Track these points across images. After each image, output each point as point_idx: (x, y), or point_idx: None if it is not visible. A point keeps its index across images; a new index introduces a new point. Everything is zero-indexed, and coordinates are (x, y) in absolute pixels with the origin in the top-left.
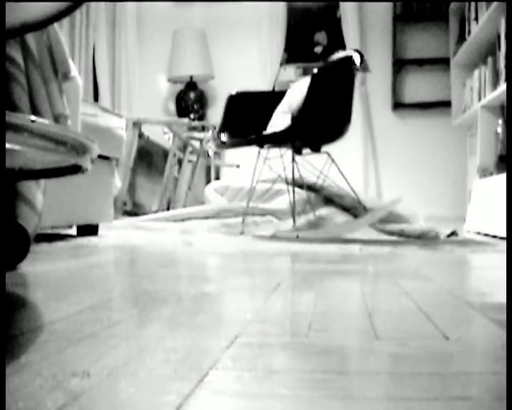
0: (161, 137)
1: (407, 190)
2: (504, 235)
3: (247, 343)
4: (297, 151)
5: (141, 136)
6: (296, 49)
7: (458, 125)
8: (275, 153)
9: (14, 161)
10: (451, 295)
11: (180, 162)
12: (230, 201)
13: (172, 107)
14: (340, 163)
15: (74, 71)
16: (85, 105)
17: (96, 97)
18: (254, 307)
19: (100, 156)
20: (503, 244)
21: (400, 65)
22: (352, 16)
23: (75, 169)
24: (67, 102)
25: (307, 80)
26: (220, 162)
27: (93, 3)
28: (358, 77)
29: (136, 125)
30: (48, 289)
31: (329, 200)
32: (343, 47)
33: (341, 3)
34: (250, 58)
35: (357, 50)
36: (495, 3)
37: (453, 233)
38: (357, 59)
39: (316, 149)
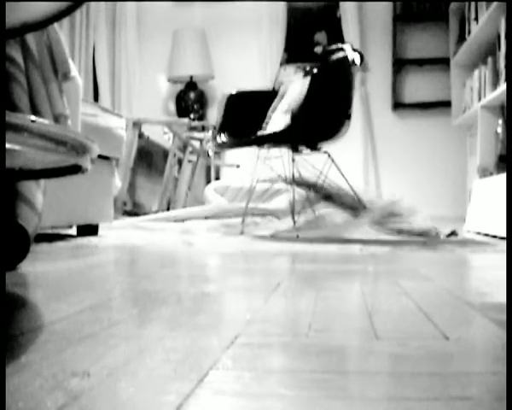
0: (161, 137)
1: (407, 190)
2: (504, 235)
3: (247, 343)
4: (295, 149)
5: (141, 136)
6: (296, 49)
7: (458, 125)
8: (274, 152)
9: (14, 161)
10: (451, 295)
11: (180, 162)
12: (231, 201)
13: (172, 107)
14: (340, 163)
15: (74, 71)
16: (85, 105)
17: (96, 97)
18: (254, 307)
19: (100, 156)
20: (503, 244)
21: (400, 65)
22: (351, 16)
23: (75, 169)
24: (67, 102)
25: (305, 80)
26: (220, 162)
27: (93, 3)
28: (358, 77)
29: (136, 125)
30: (48, 289)
31: (329, 199)
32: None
33: (341, 3)
34: (250, 58)
35: (356, 50)
36: (495, 3)
37: (453, 233)
38: (357, 59)
39: (314, 147)
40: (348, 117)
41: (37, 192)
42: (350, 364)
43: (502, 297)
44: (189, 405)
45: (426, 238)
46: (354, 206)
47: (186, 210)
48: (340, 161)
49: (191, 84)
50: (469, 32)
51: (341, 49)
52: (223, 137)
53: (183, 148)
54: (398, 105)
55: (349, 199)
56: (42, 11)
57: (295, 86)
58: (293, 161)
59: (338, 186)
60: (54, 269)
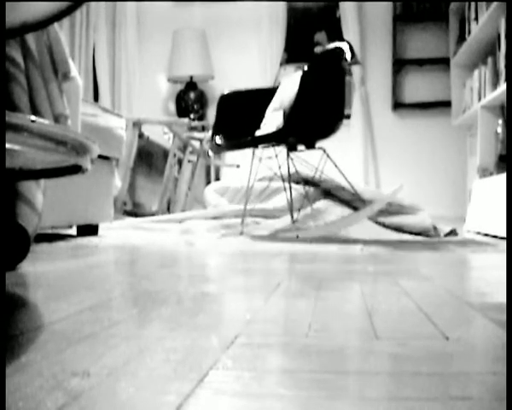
0: (161, 137)
1: (407, 190)
2: (504, 235)
3: (247, 343)
4: (292, 148)
5: (141, 136)
6: (296, 49)
7: (458, 126)
8: (271, 152)
9: (14, 161)
10: (451, 295)
11: (180, 162)
12: (231, 201)
13: (172, 107)
14: (340, 163)
15: (74, 71)
16: (85, 105)
17: (96, 97)
18: (254, 307)
19: (100, 156)
20: (504, 244)
21: (400, 65)
22: (351, 16)
23: (75, 169)
24: (67, 102)
25: (296, 75)
26: (220, 162)
27: (93, 3)
28: (358, 77)
29: (136, 125)
30: (48, 289)
31: (328, 193)
32: None
33: (341, 3)
34: (250, 58)
35: (346, 40)
36: (495, 3)
37: (452, 232)
38: (347, 50)
39: (310, 145)
40: (342, 112)
41: (37, 192)
42: (350, 364)
43: (502, 297)
44: (189, 405)
45: (425, 236)
46: (353, 200)
47: (187, 214)
48: (341, 160)
49: (191, 85)
50: (469, 32)
51: (340, 49)
52: (218, 140)
53: (183, 148)
54: (398, 105)
55: (348, 192)
56: (42, 11)
57: (287, 82)
58: (290, 158)
59: (336, 181)
60: (54, 269)
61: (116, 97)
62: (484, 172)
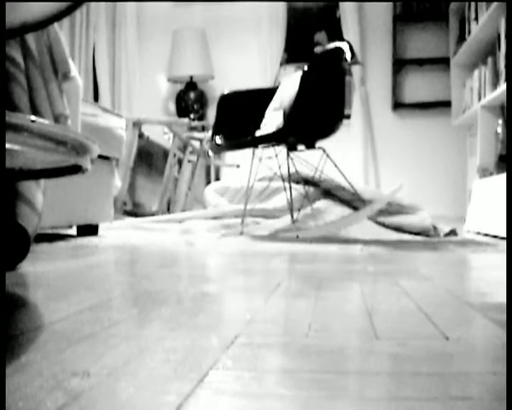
0: (161, 137)
1: (407, 190)
2: (504, 235)
3: (247, 343)
4: (292, 148)
5: (141, 136)
6: (296, 49)
7: (458, 126)
8: (271, 152)
9: (14, 161)
10: (451, 295)
11: (180, 162)
12: (231, 201)
13: (172, 107)
14: (340, 163)
15: (74, 71)
16: (85, 105)
17: (96, 97)
18: (254, 307)
19: (100, 156)
20: (504, 244)
21: (400, 65)
22: (351, 16)
23: (75, 169)
24: (67, 102)
25: (296, 75)
26: (220, 162)
27: (93, 3)
28: (358, 77)
29: (136, 125)
30: (48, 289)
31: (328, 193)
32: None
33: (341, 3)
34: (250, 58)
35: (346, 40)
36: (495, 3)
37: (452, 232)
38: (347, 50)
39: (310, 145)
40: (342, 112)
41: (37, 192)
42: (350, 364)
43: (502, 297)
44: (189, 405)
45: (425, 236)
46: (353, 200)
47: (188, 214)
48: (340, 160)
49: (191, 85)
50: (469, 32)
51: (340, 49)
52: (218, 140)
53: (183, 148)
54: (398, 105)
55: (349, 192)
56: (42, 11)
57: (287, 82)
58: (290, 158)
59: (336, 181)
60: (54, 269)
61: (116, 97)
62: (484, 172)
